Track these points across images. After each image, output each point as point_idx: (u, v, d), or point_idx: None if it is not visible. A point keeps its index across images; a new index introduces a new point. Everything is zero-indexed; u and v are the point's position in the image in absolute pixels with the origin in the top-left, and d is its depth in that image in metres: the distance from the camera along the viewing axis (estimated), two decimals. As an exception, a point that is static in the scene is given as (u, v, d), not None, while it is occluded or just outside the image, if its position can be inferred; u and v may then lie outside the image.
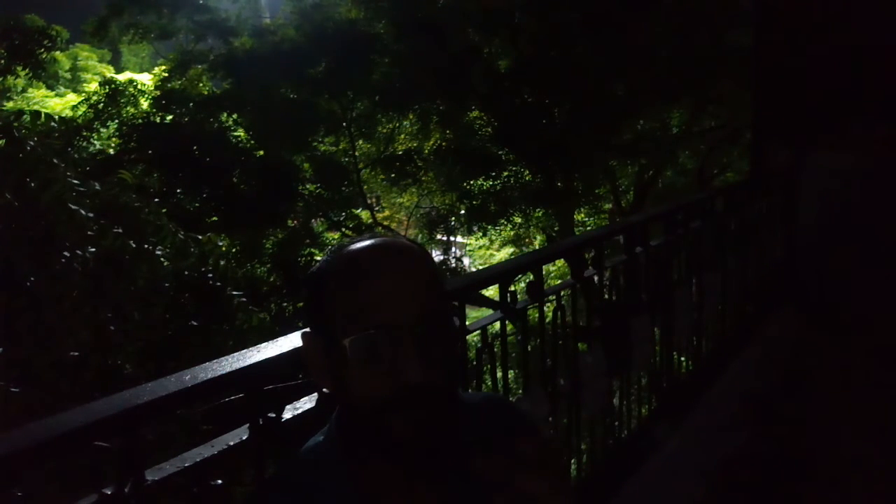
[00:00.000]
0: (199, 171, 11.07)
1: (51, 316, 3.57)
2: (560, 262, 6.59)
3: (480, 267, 14.27)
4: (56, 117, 5.17)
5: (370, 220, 14.12)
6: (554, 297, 2.31)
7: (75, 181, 3.84)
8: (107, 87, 12.70)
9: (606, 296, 2.61)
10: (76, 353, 3.62)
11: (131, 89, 12.71)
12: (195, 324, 4.78)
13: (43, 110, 6.04)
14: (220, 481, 1.24)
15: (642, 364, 2.87)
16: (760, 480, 2.95)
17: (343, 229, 13.27)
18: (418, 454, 0.83)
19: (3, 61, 9.94)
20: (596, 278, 2.55)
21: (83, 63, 24.37)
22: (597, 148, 11.52)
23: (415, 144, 13.81)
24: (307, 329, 0.92)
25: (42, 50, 9.93)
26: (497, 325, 2.02)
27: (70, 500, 1.08)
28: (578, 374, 2.42)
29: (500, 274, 2.07)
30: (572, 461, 2.49)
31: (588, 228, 13.48)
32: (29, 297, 3.53)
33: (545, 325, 2.31)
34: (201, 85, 13.42)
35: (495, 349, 2.04)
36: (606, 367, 2.51)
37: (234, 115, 12.70)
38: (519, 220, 13.34)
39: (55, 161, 3.75)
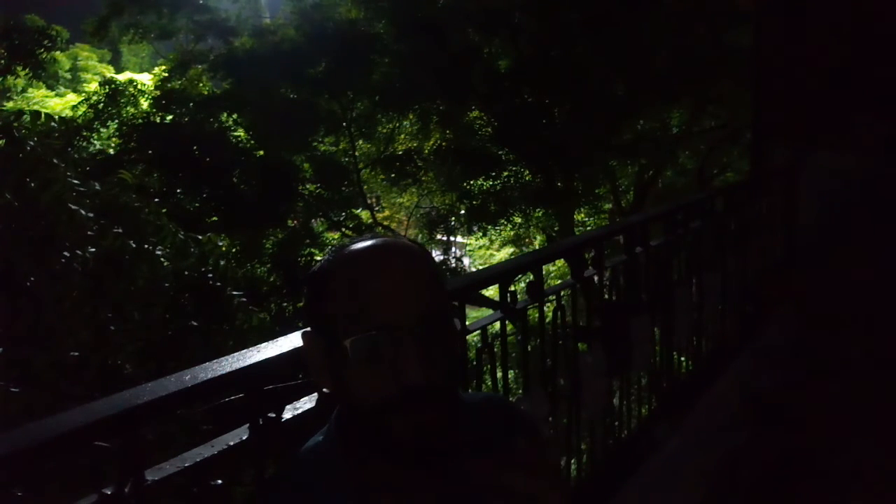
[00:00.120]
0: (199, 171, 11.07)
1: (51, 316, 3.56)
2: (560, 262, 6.59)
3: (480, 267, 14.27)
4: (56, 117, 5.16)
5: (370, 220, 14.12)
6: (554, 297, 2.31)
7: (75, 181, 3.84)
8: (107, 87, 12.71)
9: (606, 296, 2.61)
10: (76, 353, 3.62)
11: (131, 89, 12.72)
12: (195, 324, 4.77)
13: (43, 110, 6.04)
14: (220, 481, 1.24)
15: (642, 364, 2.87)
16: (760, 480, 2.95)
17: (343, 229, 13.27)
18: (418, 454, 0.83)
19: (3, 61, 9.94)
20: (596, 278, 2.54)
21: (83, 63, 24.38)
22: (597, 148, 11.52)
23: (415, 144, 13.80)
24: (308, 329, 0.92)
25: (42, 50, 9.93)
26: (497, 325, 2.02)
27: (70, 500, 1.08)
28: (578, 374, 2.42)
29: (500, 274, 2.07)
30: (572, 461, 2.49)
31: (588, 228, 13.48)
32: (29, 297, 3.53)
33: (545, 325, 2.31)
34: (201, 85, 13.42)
35: (495, 349, 2.04)
36: (606, 367, 2.51)
37: (234, 115, 12.70)
38: (519, 220, 13.33)
39: (55, 161, 3.75)
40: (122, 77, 14.83)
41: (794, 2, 4.84)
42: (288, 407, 1.36)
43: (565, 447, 2.42)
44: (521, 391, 2.20)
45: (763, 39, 5.03)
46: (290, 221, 12.58)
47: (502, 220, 13.21)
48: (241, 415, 1.29)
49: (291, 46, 12.56)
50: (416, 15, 11.72)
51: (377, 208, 16.61)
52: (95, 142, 11.53)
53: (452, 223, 14.66)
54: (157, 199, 5.19)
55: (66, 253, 3.71)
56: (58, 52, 11.63)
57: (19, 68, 10.14)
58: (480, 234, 14.91)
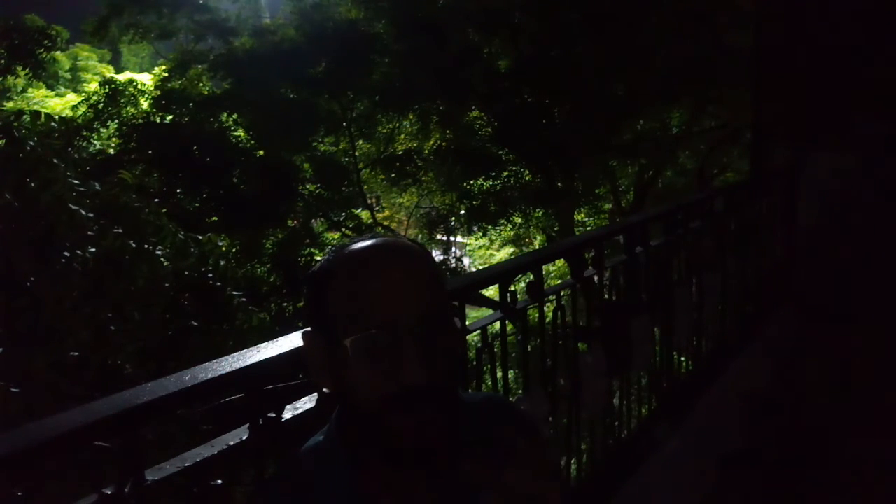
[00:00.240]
0: (199, 171, 11.07)
1: (51, 316, 3.57)
2: (560, 262, 6.59)
3: (480, 267, 14.27)
4: (56, 117, 5.17)
5: (370, 220, 14.12)
6: (554, 297, 2.31)
7: (75, 181, 3.84)
8: (107, 87, 12.71)
9: (606, 296, 2.61)
10: (76, 353, 3.62)
11: (131, 89, 12.72)
12: (195, 324, 4.78)
13: (43, 110, 6.04)
14: (220, 481, 1.24)
15: (642, 364, 2.87)
16: (760, 480, 2.95)
17: (343, 229, 13.27)
18: (418, 454, 0.83)
19: (3, 61, 9.93)
20: (596, 278, 2.54)
21: (83, 63, 24.39)
22: (597, 148, 11.53)
23: (415, 144, 13.80)
24: (308, 329, 0.92)
25: (42, 50, 9.92)
26: (497, 325, 2.02)
27: (70, 500, 1.08)
28: (578, 374, 2.42)
29: (500, 274, 2.07)
30: (572, 461, 2.49)
31: (588, 228, 13.48)
32: (29, 297, 3.53)
33: (545, 325, 2.31)
34: (201, 85, 13.42)
35: (495, 349, 2.04)
36: (606, 367, 2.51)
37: (234, 115, 12.70)
38: (519, 220, 13.34)
39: (55, 161, 3.75)
40: (122, 77, 14.84)
41: (794, 2, 4.84)
42: (288, 407, 1.36)
43: (565, 447, 2.42)
44: (521, 391, 2.20)
45: (763, 39, 5.03)
46: (290, 221, 12.58)
47: (502, 220, 13.21)
48: (241, 415, 1.29)
49: (291, 46, 12.56)
50: (416, 15, 11.72)
51: (377, 208, 16.61)
52: (95, 142, 11.52)
53: (452, 223, 14.66)
54: (157, 199, 5.20)
55: (66, 253, 3.71)
56: (58, 52, 11.62)
57: (19, 68, 10.13)
58: (480, 234, 14.92)
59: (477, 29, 12.24)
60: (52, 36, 10.11)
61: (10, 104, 14.60)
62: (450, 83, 11.69)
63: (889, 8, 4.54)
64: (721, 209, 3.72)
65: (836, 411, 3.33)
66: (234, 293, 4.81)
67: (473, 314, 1.94)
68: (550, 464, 0.83)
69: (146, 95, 12.79)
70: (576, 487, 2.50)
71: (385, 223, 16.15)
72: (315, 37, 12.42)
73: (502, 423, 0.98)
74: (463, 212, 13.51)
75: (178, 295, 4.84)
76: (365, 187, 14.24)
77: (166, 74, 13.60)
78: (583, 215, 14.16)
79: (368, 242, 0.88)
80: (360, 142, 13.90)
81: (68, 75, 24.15)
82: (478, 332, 1.97)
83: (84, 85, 20.54)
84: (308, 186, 12.78)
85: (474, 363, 1.96)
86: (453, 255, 16.75)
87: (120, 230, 3.89)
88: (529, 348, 2.51)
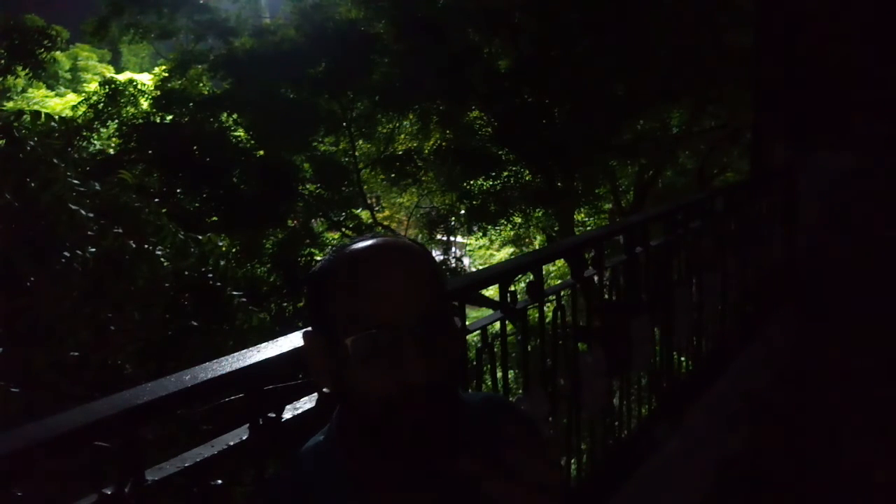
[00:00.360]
0: (199, 171, 11.07)
1: (51, 316, 3.57)
2: (560, 262, 6.59)
3: (480, 267, 14.27)
4: (56, 117, 5.16)
5: (370, 220, 14.12)
6: (554, 297, 2.31)
7: (75, 181, 3.84)
8: (107, 87, 12.71)
9: (606, 296, 2.61)
10: (76, 353, 3.62)
11: (131, 89, 12.72)
12: (195, 324, 4.78)
13: (43, 110, 6.04)
14: (220, 481, 1.24)
15: (642, 364, 2.87)
16: (760, 480, 2.95)
17: (343, 229, 13.27)
18: (418, 454, 0.83)
19: (3, 61, 9.93)
20: (596, 278, 2.54)
21: (83, 63, 24.39)
22: (597, 148, 11.52)
23: (415, 144, 13.80)
24: (308, 329, 0.92)
25: (42, 50, 9.91)
26: (497, 325, 2.02)
27: (70, 500, 1.08)
28: (578, 374, 2.42)
29: (500, 274, 2.07)
30: (572, 461, 2.49)
31: (588, 228, 13.48)
32: (29, 297, 3.53)
33: (545, 325, 2.31)
34: (201, 85, 13.42)
35: (495, 349, 2.04)
36: (606, 367, 2.51)
37: (234, 115, 12.70)
38: (519, 220, 13.34)
39: (55, 161, 3.75)
40: (122, 77, 14.83)
41: (794, 2, 4.84)
42: (288, 407, 1.36)
43: (565, 447, 2.42)
44: (521, 391, 2.20)
45: (763, 39, 5.03)
46: (290, 221, 12.58)
47: (502, 220, 13.21)
48: (241, 415, 1.29)
49: (291, 46, 12.56)
50: (416, 15, 11.72)
51: (377, 208, 16.61)
52: (95, 142, 11.50)
53: (452, 223, 14.66)
54: (157, 199, 5.20)
55: (66, 253, 3.71)
56: (58, 52, 11.59)
57: (19, 68, 10.13)
58: (480, 234, 14.92)
59: (477, 29, 12.24)
60: (52, 36, 10.09)
61: (10, 104, 14.61)
62: (450, 83, 11.69)
63: (889, 8, 4.54)
64: (721, 209, 3.72)
65: (836, 411, 3.33)
66: (234, 293, 4.81)
67: (473, 314, 1.94)
68: (550, 464, 0.83)
69: (146, 95, 12.79)
70: (576, 487, 2.50)
71: (385, 223, 16.16)
72: (315, 37, 12.42)
73: (502, 422, 0.98)
74: (463, 212, 13.51)
75: (178, 295, 4.84)
76: (365, 187, 14.24)
77: (166, 74, 13.60)
78: (583, 215, 14.16)
79: (369, 242, 0.88)
80: (360, 142, 13.90)
81: (68, 75, 24.14)
82: (478, 332, 1.97)
83: (84, 85, 20.54)
84: (308, 186, 12.78)
85: (474, 363, 1.96)
86: (453, 255, 16.75)
87: (120, 230, 3.89)
88: (529, 348, 2.51)
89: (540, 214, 13.18)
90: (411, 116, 13.15)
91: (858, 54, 4.54)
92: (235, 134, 12.65)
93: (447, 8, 11.86)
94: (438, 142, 13.28)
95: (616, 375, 2.67)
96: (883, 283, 4.19)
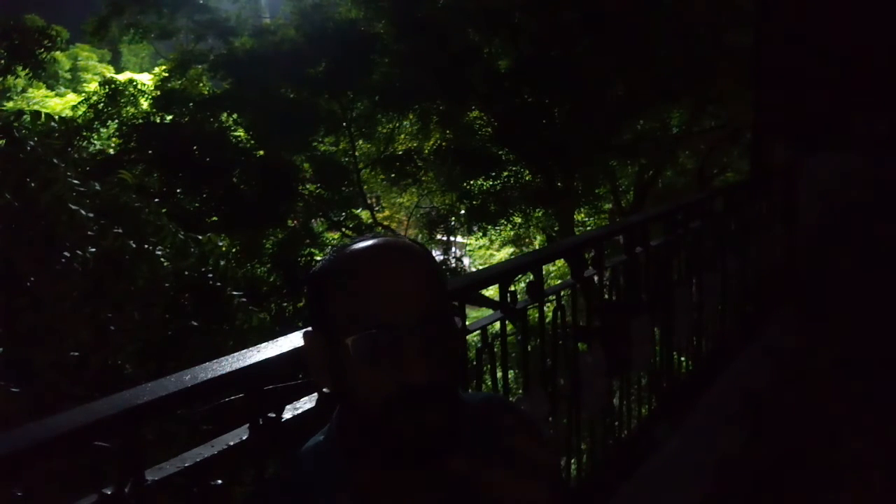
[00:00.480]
0: (199, 171, 11.07)
1: (51, 316, 3.56)
2: (560, 262, 6.59)
3: (480, 267, 14.27)
4: (56, 117, 5.16)
5: (370, 220, 14.12)
6: (554, 297, 2.31)
7: (75, 181, 3.84)
8: (107, 87, 12.71)
9: (606, 296, 2.61)
10: (76, 353, 3.62)
11: (131, 89, 12.72)
12: (195, 324, 4.78)
13: (43, 110, 6.04)
14: (220, 481, 1.24)
15: (642, 364, 2.87)
16: (760, 480, 2.95)
17: (343, 229, 13.27)
18: (419, 454, 0.83)
19: (3, 61, 9.93)
20: (596, 278, 2.54)
21: (83, 63, 24.38)
22: (597, 148, 11.53)
23: (415, 144, 13.80)
24: (309, 328, 0.92)
25: (42, 50, 9.91)
26: (497, 325, 2.02)
27: (70, 500, 1.08)
28: (578, 374, 2.42)
29: (500, 274, 2.07)
30: (572, 461, 2.49)
31: (588, 228, 13.48)
32: (29, 297, 3.53)
33: (545, 325, 2.31)
34: (201, 85, 13.42)
35: (495, 349, 2.04)
36: (606, 367, 2.51)
37: (234, 115, 12.70)
38: (519, 220, 13.34)
39: (55, 161, 3.75)
40: (122, 77, 14.83)
41: (794, 2, 4.84)
42: (288, 407, 1.36)
43: (565, 447, 2.42)
44: (521, 391, 2.20)
45: (763, 39, 5.03)
46: (290, 221, 12.58)
47: (502, 220, 13.22)
48: (241, 415, 1.29)
49: (291, 46, 12.56)
50: (416, 15, 11.72)
51: (377, 208, 16.60)
52: (95, 142, 11.52)
53: (452, 223, 14.66)
54: (157, 199, 5.20)
55: (66, 253, 3.71)
56: (58, 52, 11.58)
57: (19, 68, 10.13)
58: (480, 234, 14.92)
59: (477, 29, 12.24)
60: (52, 36, 10.09)
61: (10, 104, 14.62)
62: (450, 83, 11.70)
63: (889, 7, 4.54)
64: (721, 209, 3.72)
65: (836, 411, 3.33)
66: (234, 293, 4.81)
67: (473, 314, 1.94)
68: (550, 463, 0.83)
69: (146, 95, 12.79)
70: (576, 487, 2.50)
71: (385, 223, 16.16)
72: (315, 37, 12.42)
73: (502, 423, 0.98)
74: (463, 212, 13.51)
75: (178, 295, 4.84)
76: (365, 187, 14.24)
77: (166, 74, 13.60)
78: (583, 215, 14.16)
79: (369, 242, 0.88)
80: (360, 142, 13.90)
81: (68, 75, 24.14)
82: (478, 332, 1.97)
83: (84, 85, 20.53)
84: (308, 186, 12.78)
85: (474, 363, 1.96)
86: (453, 255, 16.75)
87: (120, 230, 3.89)
88: (529, 348, 2.51)
89: (540, 214, 13.18)
90: (411, 116, 13.15)
91: (859, 54, 4.54)
92: (235, 134, 12.65)
93: (447, 8, 11.86)
94: (438, 142, 13.28)
95: (616, 375, 2.67)
96: (883, 283, 4.18)
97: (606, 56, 10.70)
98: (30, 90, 19.43)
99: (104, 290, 3.94)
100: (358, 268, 0.85)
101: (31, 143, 3.76)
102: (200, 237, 4.70)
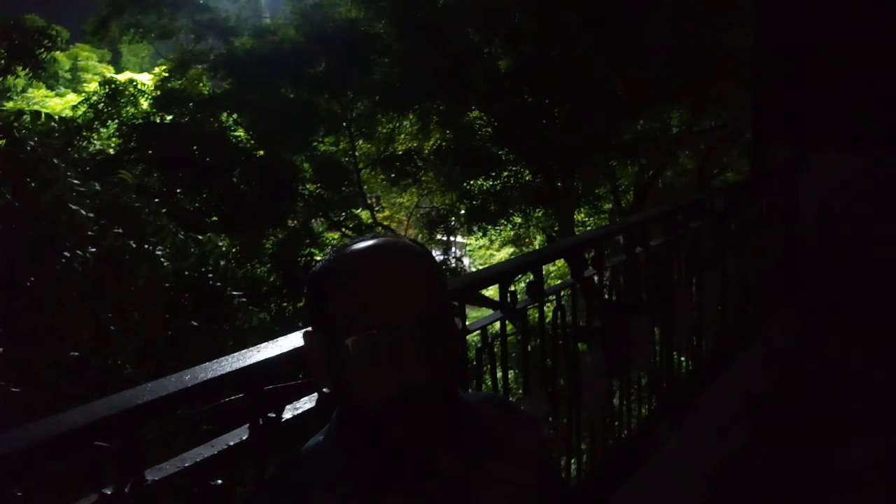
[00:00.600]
0: (199, 171, 11.08)
1: (51, 316, 3.57)
2: (560, 262, 6.58)
3: (480, 267, 14.27)
4: (56, 117, 5.17)
5: (370, 220, 14.12)
6: (554, 297, 2.31)
7: (75, 181, 3.84)
8: (107, 87, 12.71)
9: (606, 296, 2.61)
10: (76, 353, 3.62)
11: (131, 89, 12.72)
12: (195, 324, 4.78)
13: (43, 110, 6.04)
14: (220, 481, 1.24)
15: (642, 364, 2.87)
16: (760, 480, 2.95)
17: (343, 229, 13.27)
18: (419, 454, 0.83)
19: (3, 61, 9.92)
20: (596, 278, 2.54)
21: (83, 63, 24.38)
22: (597, 148, 11.53)
23: (415, 144, 13.81)
24: (309, 328, 0.92)
25: (42, 50, 9.91)
26: (497, 325, 2.02)
27: (70, 500, 1.07)
28: (578, 374, 2.42)
29: (500, 274, 2.07)
30: (572, 461, 2.49)
31: (588, 228, 13.48)
32: (29, 297, 3.53)
33: (545, 325, 2.31)
34: (201, 85, 13.42)
35: (495, 349, 2.04)
36: (606, 367, 2.51)
37: (234, 115, 12.71)
38: (519, 220, 13.34)
39: (55, 161, 3.75)
40: (122, 77, 14.82)
41: (794, 2, 4.84)
42: (288, 407, 1.36)
43: (565, 447, 2.42)
44: (521, 391, 2.20)
45: (763, 39, 5.03)
46: (290, 221, 12.58)
47: (502, 220, 13.22)
48: (241, 415, 1.29)
49: (291, 46, 12.56)
50: (416, 15, 11.72)
51: (377, 208, 16.61)
52: (95, 142, 11.52)
53: (452, 223, 14.66)
54: (157, 199, 5.20)
55: (66, 253, 3.71)
56: (58, 52, 11.58)
57: (19, 68, 10.12)
58: (480, 234, 14.92)
59: (477, 29, 12.24)
60: (52, 36, 10.09)
61: (10, 104, 14.60)
62: (450, 83, 11.70)
63: (889, 8, 4.54)
64: (721, 209, 3.72)
65: (835, 411, 3.33)
66: (234, 293, 4.81)
67: (473, 314, 1.94)
68: (550, 463, 0.83)
69: (146, 95, 12.79)
70: (576, 487, 2.50)
71: (385, 223, 16.16)
72: (315, 37, 12.43)
73: (502, 422, 0.98)
74: (463, 212, 13.51)
75: (178, 295, 4.85)
76: (365, 187, 14.24)
77: (166, 74, 13.60)
78: (583, 215, 14.16)
79: (369, 242, 0.88)
80: (360, 142, 13.90)
81: (68, 75, 24.14)
82: (478, 332, 1.97)
83: (84, 85, 20.52)
84: (308, 186, 12.78)
85: (474, 363, 1.96)
86: (453, 255, 16.75)
87: (120, 230, 3.89)
88: (529, 348, 2.51)
89: (540, 214, 13.18)
90: (411, 116, 13.15)
91: (859, 54, 4.54)
92: (235, 134, 12.66)
93: (447, 8, 11.86)
94: (438, 142, 13.29)
95: (616, 375, 2.67)
96: (883, 282, 4.19)
97: (606, 56, 10.70)
98: (30, 90, 19.43)
99: (104, 290, 3.94)
100: (358, 268, 0.85)
101: (31, 143, 3.76)
102: (200, 237, 4.70)
